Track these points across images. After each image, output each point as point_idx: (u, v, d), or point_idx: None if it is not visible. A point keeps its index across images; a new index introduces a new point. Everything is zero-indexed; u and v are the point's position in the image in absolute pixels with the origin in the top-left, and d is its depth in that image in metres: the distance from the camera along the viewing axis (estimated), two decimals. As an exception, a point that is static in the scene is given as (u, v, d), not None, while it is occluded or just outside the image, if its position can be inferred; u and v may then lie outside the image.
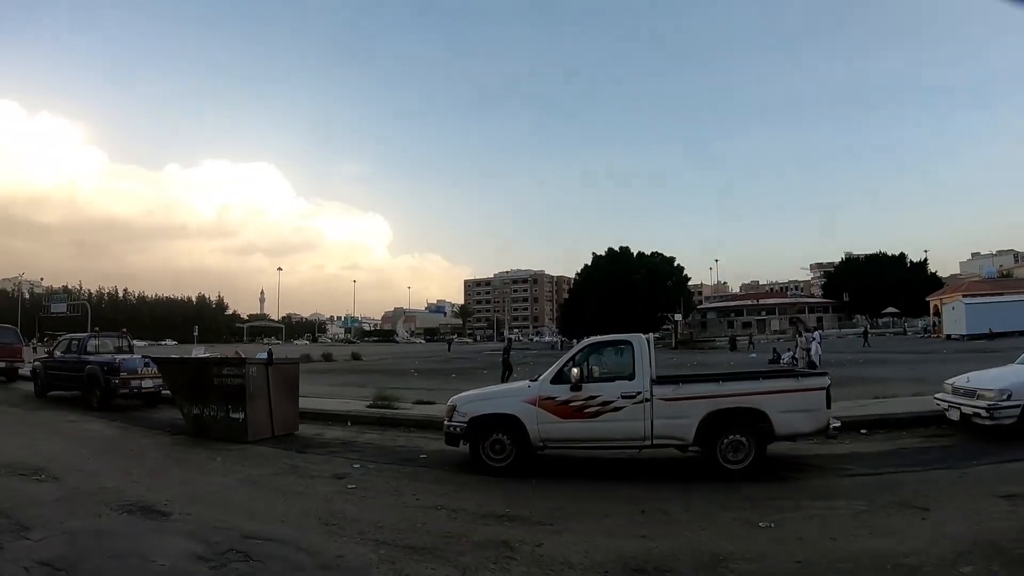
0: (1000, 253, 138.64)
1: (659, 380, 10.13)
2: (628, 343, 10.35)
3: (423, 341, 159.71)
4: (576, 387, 10.00)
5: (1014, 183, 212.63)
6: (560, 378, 10.21)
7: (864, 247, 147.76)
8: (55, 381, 21.74)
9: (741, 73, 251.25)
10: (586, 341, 11.14)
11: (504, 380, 28.71)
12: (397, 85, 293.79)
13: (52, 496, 8.88)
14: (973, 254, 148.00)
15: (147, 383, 19.06)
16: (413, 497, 8.87)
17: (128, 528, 7.49)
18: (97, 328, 28.38)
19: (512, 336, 36.12)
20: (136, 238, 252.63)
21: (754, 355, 47.72)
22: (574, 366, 10.21)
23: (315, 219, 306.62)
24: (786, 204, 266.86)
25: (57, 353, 22.76)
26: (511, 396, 10.72)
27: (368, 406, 17.29)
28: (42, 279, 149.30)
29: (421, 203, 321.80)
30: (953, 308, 65.53)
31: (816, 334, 38.59)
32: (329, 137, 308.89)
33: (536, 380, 10.55)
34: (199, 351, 19.73)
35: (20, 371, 28.11)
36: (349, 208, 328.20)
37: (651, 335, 10.90)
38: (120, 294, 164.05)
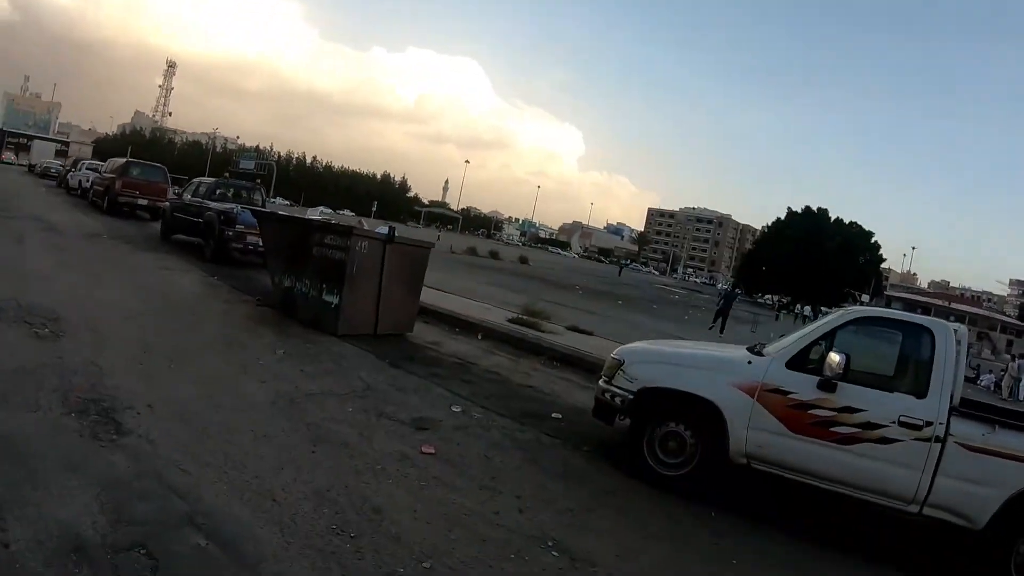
0: None
1: (963, 410, 5.86)
2: (928, 332, 6.02)
3: (598, 259, 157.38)
4: (829, 385, 5.87)
5: None
6: (802, 361, 6.17)
7: None
8: (178, 224, 19.83)
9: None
10: (853, 311, 6.70)
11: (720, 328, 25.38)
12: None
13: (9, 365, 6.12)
14: None
15: (264, 240, 16.30)
16: (514, 501, 5.23)
17: (60, 455, 4.51)
18: (227, 173, 26.35)
19: (735, 290, 31.96)
20: (334, 112, 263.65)
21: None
22: (832, 349, 6.08)
23: (511, 120, 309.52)
24: (1004, 208, 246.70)
25: (186, 196, 20.71)
26: (714, 369, 6.49)
27: (510, 320, 13.88)
28: (238, 137, 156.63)
29: (620, 123, 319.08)
30: None
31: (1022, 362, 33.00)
32: (539, 41, 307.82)
33: (759, 352, 6.54)
34: (315, 213, 16.70)
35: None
36: (547, 115, 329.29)
37: (961, 327, 6.50)
38: (308, 160, 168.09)
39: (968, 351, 7.04)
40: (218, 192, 19.80)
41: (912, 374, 6.13)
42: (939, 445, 5.56)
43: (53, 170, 54.15)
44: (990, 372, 33.47)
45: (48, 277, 11.10)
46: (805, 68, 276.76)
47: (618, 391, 6.54)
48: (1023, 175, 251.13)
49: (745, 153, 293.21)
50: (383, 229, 11.12)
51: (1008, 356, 35.70)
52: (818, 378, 5.89)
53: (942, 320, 6.34)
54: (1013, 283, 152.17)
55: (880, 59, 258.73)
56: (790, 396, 5.95)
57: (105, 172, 29.26)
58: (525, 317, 14.02)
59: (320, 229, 11.07)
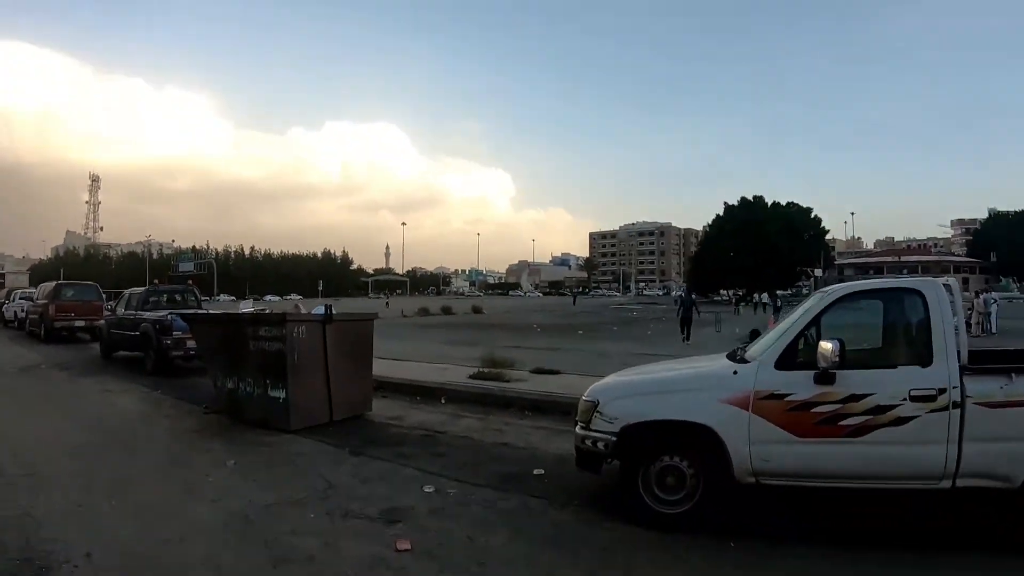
0: None
1: (974, 367, 5.35)
2: (918, 294, 5.55)
3: (539, 295, 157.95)
4: (827, 377, 5.31)
5: None
6: (791, 358, 5.59)
7: (1012, 203, 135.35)
8: (117, 341, 18.96)
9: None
10: (831, 292, 6.05)
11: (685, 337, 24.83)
12: (511, 33, 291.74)
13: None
14: None
15: (203, 345, 15.62)
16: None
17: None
18: (157, 280, 25.72)
19: (691, 295, 31.72)
20: (264, 199, 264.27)
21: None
22: (821, 337, 5.53)
23: (438, 175, 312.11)
24: (925, 155, 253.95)
25: (119, 310, 19.86)
26: (698, 389, 5.84)
27: (472, 376, 13.17)
28: (173, 240, 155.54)
29: (543, 157, 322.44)
30: None
31: (994, 295, 33.29)
32: (448, 94, 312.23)
33: (742, 359, 5.98)
34: (246, 305, 15.91)
35: (102, 330, 25.73)
36: (471, 164, 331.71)
37: (951, 280, 5.98)
38: (246, 252, 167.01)
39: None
40: (151, 301, 19.07)
41: (911, 343, 5.69)
42: (958, 411, 5.12)
43: (-12, 305, 52.70)
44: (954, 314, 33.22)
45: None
46: (701, 72, 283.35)
47: (599, 435, 5.87)
48: (942, 118, 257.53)
49: (670, 161, 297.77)
50: (319, 309, 10.43)
51: (971, 293, 35.92)
52: (813, 372, 5.36)
53: (928, 278, 5.89)
54: (955, 223, 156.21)
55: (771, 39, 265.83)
56: (787, 399, 5.39)
57: (38, 299, 28.47)
58: (487, 370, 13.35)
59: (252, 322, 10.34)
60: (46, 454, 8.25)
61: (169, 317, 15.61)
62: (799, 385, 5.41)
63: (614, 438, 5.77)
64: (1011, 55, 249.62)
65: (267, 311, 11.59)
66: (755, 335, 11.31)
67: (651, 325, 36.90)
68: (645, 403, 5.86)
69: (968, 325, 29.64)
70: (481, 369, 13.47)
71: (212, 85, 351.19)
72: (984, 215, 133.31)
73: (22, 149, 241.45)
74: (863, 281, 6.31)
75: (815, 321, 5.71)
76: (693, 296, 30.92)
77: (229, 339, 10.57)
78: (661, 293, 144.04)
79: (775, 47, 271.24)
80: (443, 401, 11.72)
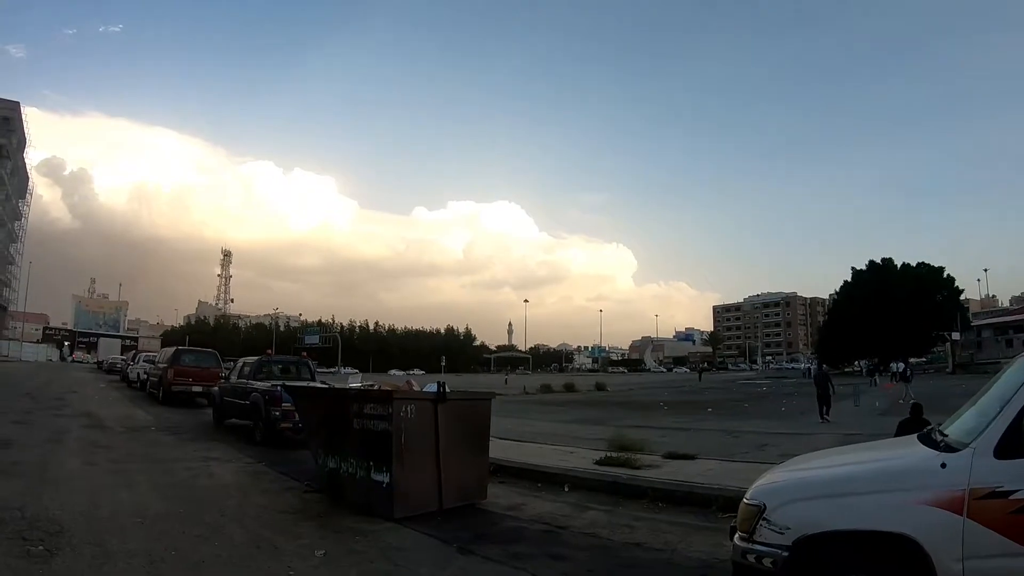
0: None
1: None
2: None
3: (669, 369, 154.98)
4: None
5: None
6: (1017, 443, 4.26)
7: None
8: (229, 409, 18.79)
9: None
10: None
11: (823, 415, 22.77)
12: (629, 108, 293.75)
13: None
14: None
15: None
16: None
17: None
18: (269, 351, 25.59)
19: (822, 367, 29.76)
20: (387, 277, 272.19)
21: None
22: None
23: (559, 252, 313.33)
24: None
25: (232, 378, 19.76)
26: (894, 489, 4.53)
27: (598, 461, 11.93)
28: (300, 314, 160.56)
29: (664, 229, 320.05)
30: None
31: None
32: (566, 169, 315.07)
33: (946, 445, 4.71)
34: (355, 380, 15.14)
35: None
36: (592, 239, 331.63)
37: None
38: (371, 327, 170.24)
39: None
40: (263, 370, 18.83)
41: None
42: None
43: (118, 365, 54.84)
44: None
45: (70, 479, 10.22)
46: (819, 133, 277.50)
47: (765, 549, 4.66)
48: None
49: (792, 227, 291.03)
50: (432, 387, 9.60)
51: None
52: (1048, 462, 4.07)
53: None
54: None
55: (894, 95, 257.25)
56: (1013, 497, 4.11)
57: (159, 362, 29.05)
58: (614, 454, 12.15)
59: (357, 398, 9.57)
60: (124, 525, 7.66)
61: (279, 388, 15.13)
62: None
63: (786, 553, 4.55)
64: None
65: (375, 387, 10.78)
66: (918, 410, 9.96)
67: (783, 401, 34.86)
68: (826, 508, 4.61)
69: None
70: (608, 454, 12.26)
71: (338, 166, 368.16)
72: None
73: (162, 225, 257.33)
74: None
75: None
76: (825, 368, 28.76)
77: (332, 415, 9.86)
78: (789, 366, 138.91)
79: (897, 99, 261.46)
80: (566, 489, 10.60)
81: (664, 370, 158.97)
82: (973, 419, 4.86)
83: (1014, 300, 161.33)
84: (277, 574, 6.15)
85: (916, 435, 5.38)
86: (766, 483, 5.25)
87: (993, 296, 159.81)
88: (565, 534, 7.95)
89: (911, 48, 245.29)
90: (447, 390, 9.31)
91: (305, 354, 23.19)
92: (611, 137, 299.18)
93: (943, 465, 4.40)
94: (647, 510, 9.20)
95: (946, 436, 4.87)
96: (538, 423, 22.02)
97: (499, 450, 12.06)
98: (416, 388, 10.22)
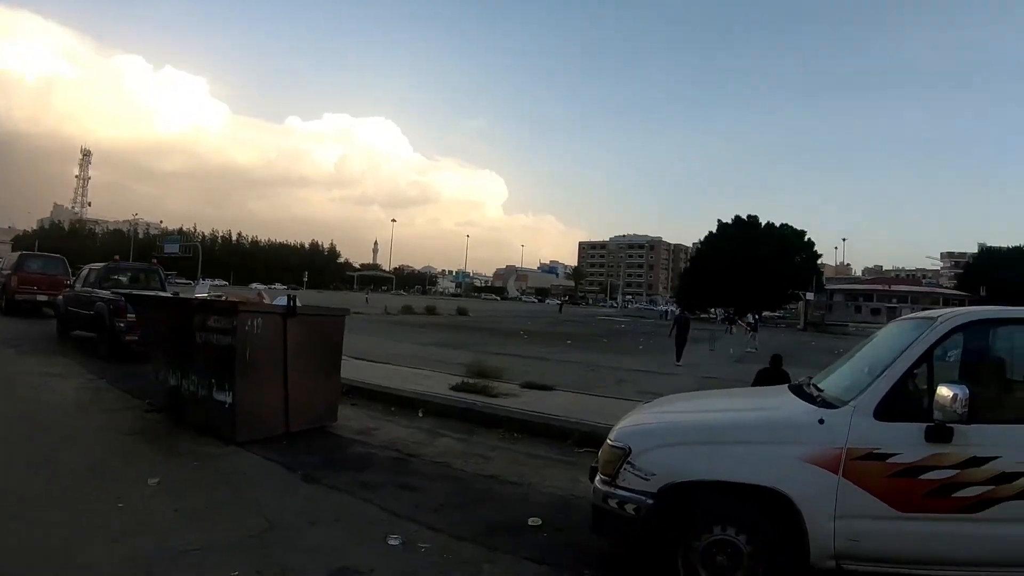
0: None
1: None
2: None
3: (535, 300, 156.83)
4: (944, 433, 3.93)
5: None
6: (897, 405, 4.14)
7: (998, 240, 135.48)
8: (72, 319, 17.39)
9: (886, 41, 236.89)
10: (952, 317, 4.45)
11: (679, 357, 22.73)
12: (516, 38, 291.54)
13: None
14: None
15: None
16: None
17: None
18: (117, 256, 24.01)
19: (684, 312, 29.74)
20: (256, 186, 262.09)
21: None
22: (934, 379, 4.17)
23: (432, 174, 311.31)
24: (919, 189, 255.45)
25: (77, 286, 18.20)
26: (768, 440, 4.34)
27: (455, 387, 11.57)
28: (161, 221, 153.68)
29: (538, 162, 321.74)
30: None
31: None
32: (447, 91, 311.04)
33: (823, 400, 4.54)
34: (202, 288, 14.10)
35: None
36: (466, 164, 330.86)
37: None
38: (233, 238, 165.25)
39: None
40: (110, 279, 17.40)
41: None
42: None
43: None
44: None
45: None
46: (704, 87, 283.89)
47: (628, 494, 4.36)
48: (936, 153, 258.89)
49: (663, 175, 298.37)
50: (282, 300, 8.90)
51: None
52: (926, 426, 3.95)
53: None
54: (944, 256, 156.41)
55: (774, 60, 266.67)
56: (891, 460, 3.97)
57: (2, 269, 26.59)
58: (471, 381, 11.81)
59: (200, 309, 8.73)
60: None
61: (122, 298, 14.07)
62: (906, 441, 3.99)
63: (650, 500, 4.26)
64: (1004, 91, 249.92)
65: (224, 297, 9.99)
66: (777, 360, 10.02)
67: (641, 339, 35.55)
68: (695, 456, 4.33)
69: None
70: (465, 380, 11.91)
71: (211, 68, 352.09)
72: (971, 249, 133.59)
73: (19, 118, 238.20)
74: (996, 308, 4.79)
75: (927, 355, 4.23)
76: (686, 314, 29.30)
77: (174, 328, 9.00)
78: (648, 307, 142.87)
79: (777, 64, 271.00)
80: (421, 414, 10.18)
81: (536, 300, 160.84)
82: (848, 377, 4.76)
83: (867, 271, 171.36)
84: (104, 509, 5.47)
85: (787, 386, 5.22)
86: (632, 424, 4.94)
87: (848, 264, 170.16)
88: (416, 462, 7.54)
89: (784, 24, 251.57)
90: (297, 304, 8.67)
91: (155, 261, 21.61)
92: (496, 65, 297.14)
93: (821, 421, 4.22)
94: (503, 440, 8.92)
95: (821, 392, 4.73)
96: (398, 344, 21.55)
97: (353, 370, 11.64)
98: (267, 301, 9.44)
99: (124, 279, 18.00)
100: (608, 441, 4.76)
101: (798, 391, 4.91)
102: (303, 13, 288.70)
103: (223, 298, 9.63)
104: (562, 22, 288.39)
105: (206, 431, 8.11)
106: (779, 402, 4.91)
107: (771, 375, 9.96)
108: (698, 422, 4.85)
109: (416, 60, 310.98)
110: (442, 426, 9.52)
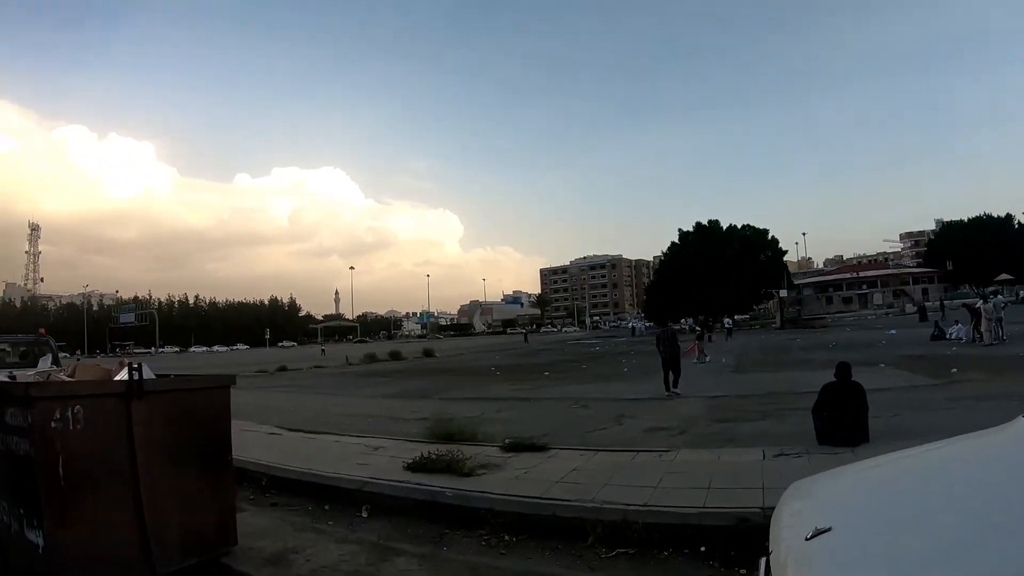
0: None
1: None
2: None
3: (504, 332, 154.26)
4: None
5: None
6: None
7: (953, 213, 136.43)
8: None
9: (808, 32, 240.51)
10: None
11: (668, 374, 17.03)
12: (456, 74, 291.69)
13: None
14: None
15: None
16: None
17: None
18: (43, 330, 20.46)
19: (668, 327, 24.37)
20: (211, 247, 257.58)
21: (893, 332, 38.55)
22: None
23: (386, 218, 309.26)
24: (865, 174, 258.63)
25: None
26: None
27: (413, 465, 8.19)
28: (117, 291, 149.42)
29: (490, 195, 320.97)
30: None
31: (1001, 299, 30.08)
32: (391, 135, 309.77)
33: None
34: (45, 362, 10.47)
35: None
36: (419, 205, 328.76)
37: None
38: (191, 301, 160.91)
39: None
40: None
41: None
42: None
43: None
44: (956, 323, 29.88)
45: None
46: (645, 101, 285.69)
47: None
48: (864, 139, 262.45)
49: (617, 192, 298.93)
50: (124, 372, 5.73)
51: (974, 299, 33.17)
52: None
53: None
54: (903, 236, 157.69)
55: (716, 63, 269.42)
56: None
57: None
58: (434, 453, 8.39)
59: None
60: None
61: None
62: None
63: None
64: (937, 76, 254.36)
65: (48, 375, 6.76)
66: (846, 371, 7.77)
67: (622, 360, 32.63)
68: None
69: (979, 334, 26.30)
70: (425, 452, 8.48)
71: (155, 132, 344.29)
72: (929, 227, 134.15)
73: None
74: None
75: None
76: (671, 326, 26.03)
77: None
78: (615, 325, 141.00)
79: (714, 70, 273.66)
80: (365, 514, 7.04)
81: (505, 332, 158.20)
82: None
83: (828, 262, 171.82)
84: None
85: None
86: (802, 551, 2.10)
87: (810, 258, 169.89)
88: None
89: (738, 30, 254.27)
90: (146, 375, 5.56)
91: (43, 331, 18.15)
92: (436, 104, 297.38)
93: None
94: (488, 549, 5.83)
95: None
96: (351, 401, 18.66)
97: (278, 451, 9.14)
98: (120, 376, 6.22)
99: (7, 357, 14.84)
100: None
101: None
102: (241, 68, 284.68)
103: (39, 377, 6.48)
104: (498, 52, 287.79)
105: (26, 584, 5.00)
106: None
107: (839, 392, 8.68)
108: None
109: (358, 106, 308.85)
110: (396, 533, 6.40)
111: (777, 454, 8.09)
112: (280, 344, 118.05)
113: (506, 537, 6.04)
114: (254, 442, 10.53)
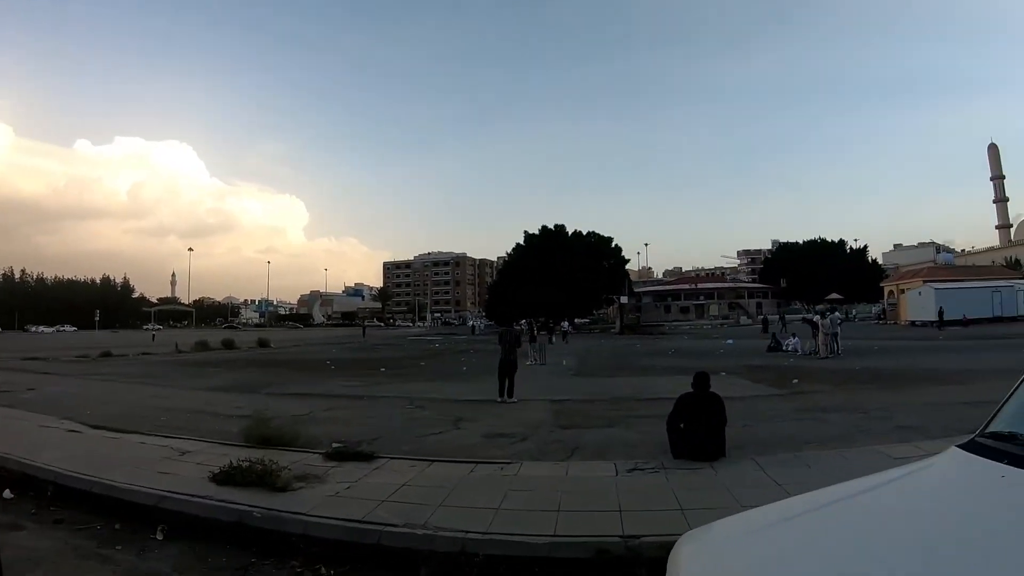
0: (922, 245, 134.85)
1: None
2: None
3: (343, 324, 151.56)
4: None
5: (930, 178, 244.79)
6: None
7: (787, 236, 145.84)
8: None
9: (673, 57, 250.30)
10: None
11: (505, 380, 16.03)
12: (315, 60, 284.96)
13: None
14: (896, 245, 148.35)
15: None
16: None
17: None
18: None
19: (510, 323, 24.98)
20: (44, 219, 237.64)
21: (730, 341, 40.39)
22: None
23: (230, 200, 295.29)
24: (708, 193, 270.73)
25: None
26: None
27: (219, 476, 7.25)
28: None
29: (339, 185, 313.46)
30: (920, 294, 61.27)
31: (837, 315, 31.53)
32: (247, 114, 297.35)
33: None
34: None
35: None
36: (265, 188, 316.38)
37: None
38: (17, 276, 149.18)
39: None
40: None
41: None
42: None
43: None
44: (793, 336, 31.36)
45: None
46: (498, 103, 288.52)
47: None
48: (709, 159, 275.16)
49: (464, 191, 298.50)
50: None
51: (811, 314, 34.88)
52: None
53: None
54: (741, 254, 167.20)
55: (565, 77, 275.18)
56: None
57: None
58: (245, 462, 7.38)
59: None
60: None
61: None
62: None
63: None
64: (787, 109, 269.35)
65: None
66: (705, 381, 8.70)
67: (461, 359, 32.34)
68: None
69: (816, 349, 27.53)
70: (236, 462, 7.44)
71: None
72: (765, 246, 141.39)
73: None
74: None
75: None
76: (516, 327, 25.88)
77: None
78: (455, 322, 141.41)
79: (569, 76, 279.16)
80: (161, 536, 6.11)
81: (328, 323, 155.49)
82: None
83: (667, 273, 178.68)
84: None
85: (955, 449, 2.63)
86: None
87: (650, 268, 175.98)
88: None
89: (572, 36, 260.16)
90: None
91: None
92: (295, 86, 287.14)
93: None
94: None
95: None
96: (173, 393, 17.23)
97: (73, 455, 8.12)
98: None
99: None
100: None
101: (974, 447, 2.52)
102: (94, 20, 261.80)
103: None
104: (355, 43, 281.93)
105: None
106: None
107: (696, 402, 8.45)
108: None
109: (215, 76, 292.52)
110: (195, 563, 5.51)
111: (631, 468, 7.74)
112: (115, 328, 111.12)
113: (322, 570, 5.28)
114: (48, 442, 9.42)
